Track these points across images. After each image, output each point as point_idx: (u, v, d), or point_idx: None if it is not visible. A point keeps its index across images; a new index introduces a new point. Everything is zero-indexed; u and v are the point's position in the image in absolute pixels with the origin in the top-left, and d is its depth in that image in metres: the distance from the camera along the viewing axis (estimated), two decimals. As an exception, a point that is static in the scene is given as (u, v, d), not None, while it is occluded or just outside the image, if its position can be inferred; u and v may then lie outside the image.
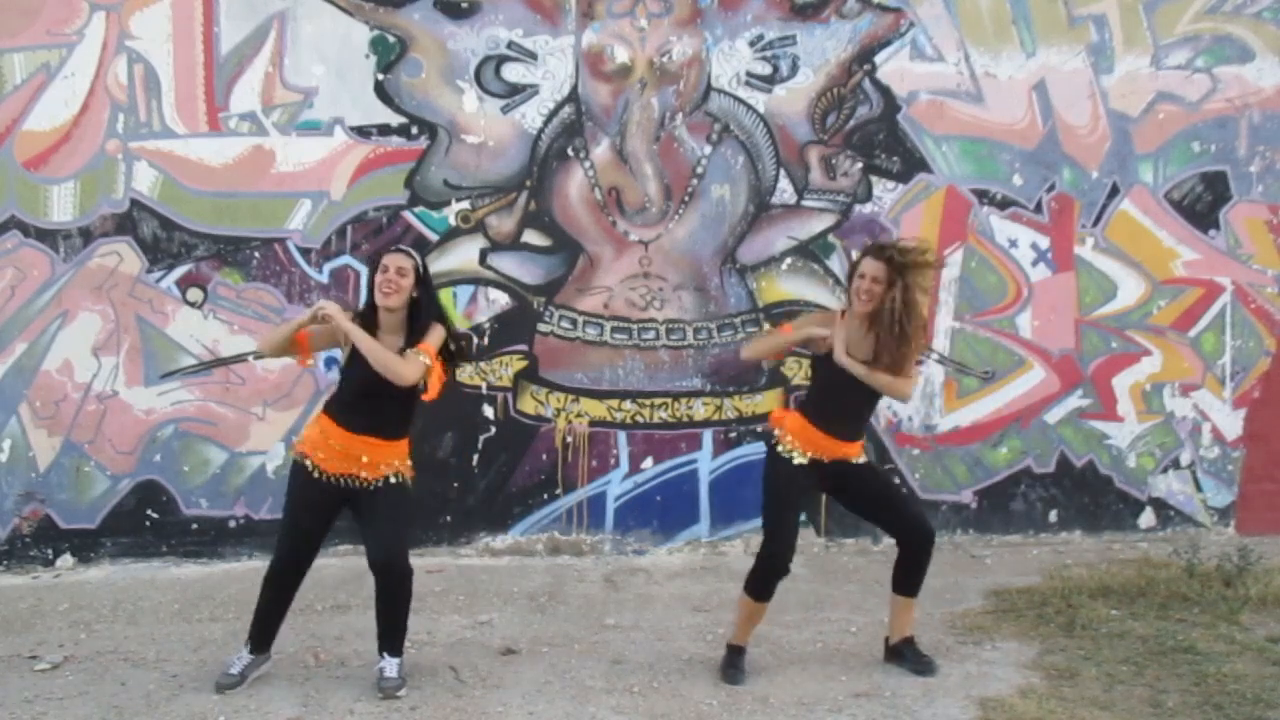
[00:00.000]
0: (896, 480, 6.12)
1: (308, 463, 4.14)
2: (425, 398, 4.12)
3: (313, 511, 4.18)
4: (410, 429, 4.21)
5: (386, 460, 4.14)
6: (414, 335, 4.11)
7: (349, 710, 4.07)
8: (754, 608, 4.36)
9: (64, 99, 5.77)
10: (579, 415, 6.12)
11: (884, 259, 4.14)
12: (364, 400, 4.08)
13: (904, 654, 4.44)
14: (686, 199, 6.09)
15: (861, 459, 4.38)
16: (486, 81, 5.96)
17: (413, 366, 4.02)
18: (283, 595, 4.28)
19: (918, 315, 4.15)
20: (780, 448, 4.29)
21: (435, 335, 4.13)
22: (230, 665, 4.27)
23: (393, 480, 4.16)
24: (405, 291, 4.07)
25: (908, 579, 4.40)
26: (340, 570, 5.57)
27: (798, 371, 6.19)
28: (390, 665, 4.24)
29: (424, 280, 4.16)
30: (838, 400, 4.25)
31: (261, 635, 4.32)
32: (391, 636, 4.26)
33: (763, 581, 4.30)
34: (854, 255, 6.02)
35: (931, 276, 4.33)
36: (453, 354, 4.26)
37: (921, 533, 4.34)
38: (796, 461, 4.25)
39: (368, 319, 4.13)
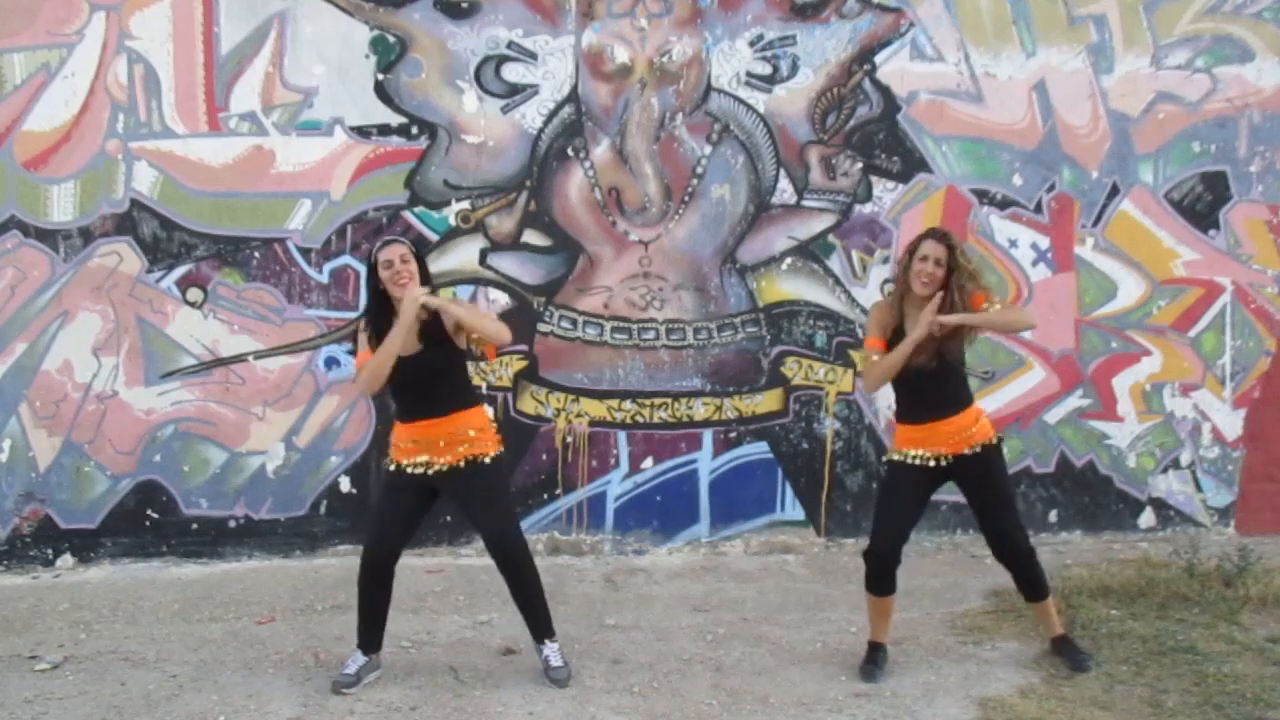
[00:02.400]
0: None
1: (392, 465, 4.28)
2: (493, 347, 4.35)
3: (395, 504, 4.27)
4: (472, 398, 4.29)
5: (457, 437, 4.18)
6: (434, 322, 4.19)
7: (349, 710, 4.07)
8: (875, 602, 4.42)
9: (64, 99, 5.77)
10: (579, 415, 6.12)
11: (946, 244, 4.19)
12: (411, 389, 4.19)
13: (1061, 650, 4.46)
14: (686, 199, 6.09)
15: (985, 442, 4.31)
16: (486, 81, 5.96)
17: (500, 323, 4.30)
18: (374, 592, 4.29)
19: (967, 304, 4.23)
20: (888, 453, 4.48)
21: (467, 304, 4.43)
22: (346, 665, 4.30)
23: (472, 461, 4.20)
24: (416, 277, 4.17)
25: (1024, 587, 4.45)
26: (340, 570, 5.57)
27: (798, 372, 6.19)
28: (552, 653, 4.31)
29: (421, 260, 4.28)
30: (913, 384, 4.26)
31: (367, 635, 4.34)
32: (535, 619, 4.33)
33: (870, 577, 4.37)
34: (862, 255, 6.04)
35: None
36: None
37: (1012, 551, 4.36)
38: (896, 459, 4.35)
39: (381, 314, 4.20)
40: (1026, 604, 4.54)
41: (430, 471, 4.20)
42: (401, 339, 4.09)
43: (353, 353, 5.29)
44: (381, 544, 4.26)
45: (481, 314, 4.20)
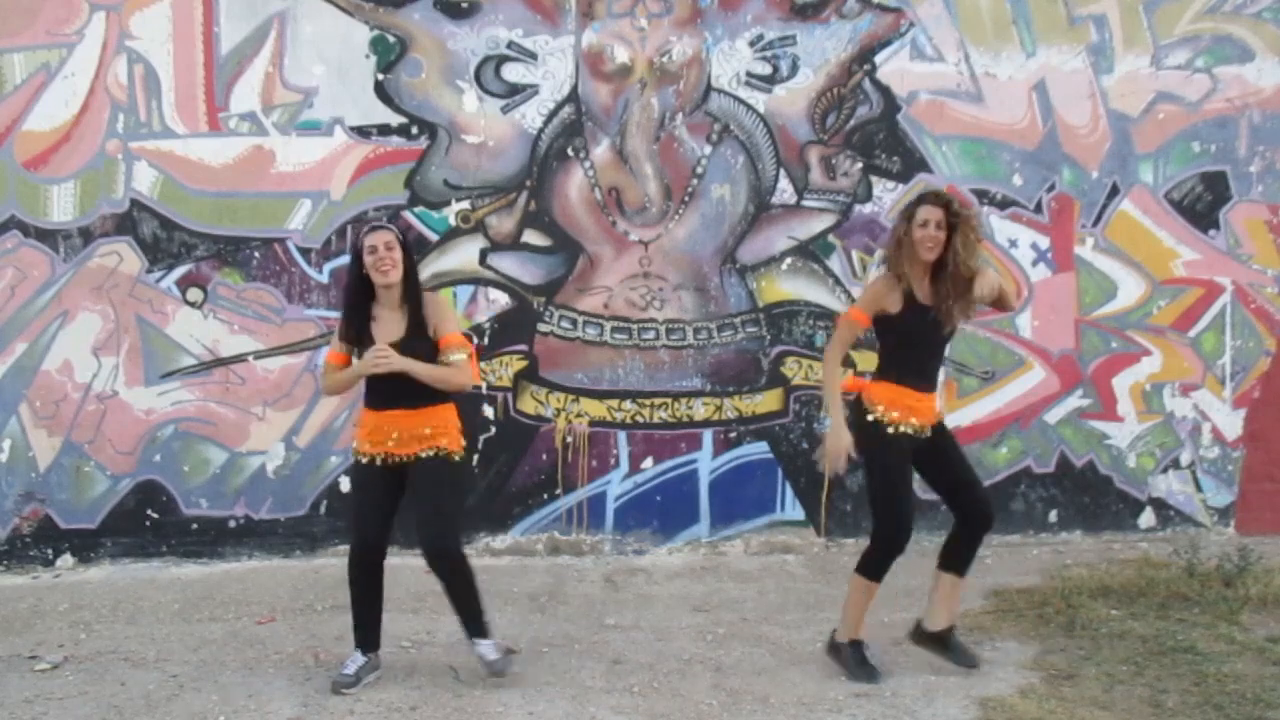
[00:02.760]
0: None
1: (361, 456, 4.27)
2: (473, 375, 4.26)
3: (369, 496, 4.27)
4: (444, 396, 4.23)
5: (420, 430, 4.17)
6: (415, 313, 4.17)
7: (349, 710, 4.07)
8: (872, 590, 4.29)
9: (64, 99, 5.77)
10: (579, 415, 6.12)
11: (943, 205, 4.14)
12: (383, 380, 4.15)
13: (947, 644, 4.36)
14: (686, 199, 6.09)
15: (942, 418, 4.35)
16: (486, 81, 5.96)
17: (464, 371, 4.19)
18: (366, 591, 4.29)
19: (976, 257, 4.18)
20: (878, 420, 4.18)
21: (452, 320, 4.29)
22: (346, 666, 4.29)
23: (431, 454, 4.19)
24: (400, 265, 4.15)
25: (958, 556, 4.33)
26: (339, 570, 5.52)
27: (798, 372, 6.19)
28: (486, 648, 4.29)
29: (406, 248, 4.23)
30: (921, 351, 4.23)
31: (363, 634, 4.33)
32: (469, 620, 4.32)
33: (879, 564, 4.28)
34: (851, 254, 6.04)
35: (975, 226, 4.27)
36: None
37: (984, 513, 4.31)
38: (903, 430, 4.19)
39: (362, 299, 4.20)
40: (943, 573, 4.35)
41: (391, 462, 4.20)
42: (359, 378, 4.18)
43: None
44: (366, 542, 4.25)
45: (439, 371, 4.11)
